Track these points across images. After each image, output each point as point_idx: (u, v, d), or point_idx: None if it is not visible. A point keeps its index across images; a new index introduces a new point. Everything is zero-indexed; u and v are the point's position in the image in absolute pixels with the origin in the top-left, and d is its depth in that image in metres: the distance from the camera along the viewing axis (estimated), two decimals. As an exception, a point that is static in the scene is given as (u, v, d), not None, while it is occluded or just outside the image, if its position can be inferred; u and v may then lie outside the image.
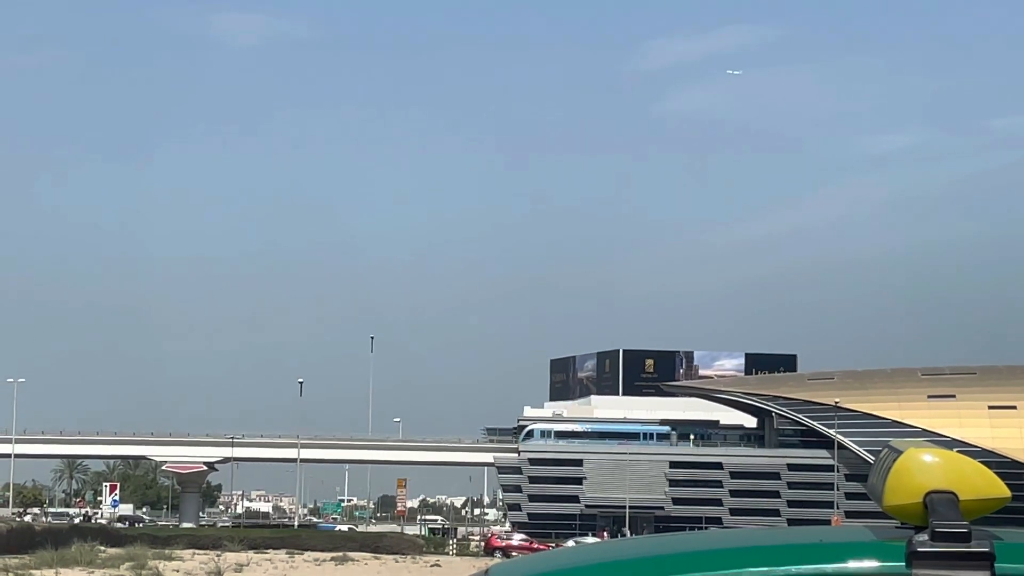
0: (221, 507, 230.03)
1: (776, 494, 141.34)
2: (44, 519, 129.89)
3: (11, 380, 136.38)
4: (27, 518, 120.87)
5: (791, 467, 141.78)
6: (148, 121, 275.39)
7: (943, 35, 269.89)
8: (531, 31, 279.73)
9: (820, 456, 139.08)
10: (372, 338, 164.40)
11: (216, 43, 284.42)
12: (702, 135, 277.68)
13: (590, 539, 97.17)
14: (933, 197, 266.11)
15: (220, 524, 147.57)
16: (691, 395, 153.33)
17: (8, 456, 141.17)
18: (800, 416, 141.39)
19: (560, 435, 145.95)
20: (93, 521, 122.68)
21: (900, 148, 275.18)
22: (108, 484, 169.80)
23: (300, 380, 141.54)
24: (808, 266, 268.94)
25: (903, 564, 3.08)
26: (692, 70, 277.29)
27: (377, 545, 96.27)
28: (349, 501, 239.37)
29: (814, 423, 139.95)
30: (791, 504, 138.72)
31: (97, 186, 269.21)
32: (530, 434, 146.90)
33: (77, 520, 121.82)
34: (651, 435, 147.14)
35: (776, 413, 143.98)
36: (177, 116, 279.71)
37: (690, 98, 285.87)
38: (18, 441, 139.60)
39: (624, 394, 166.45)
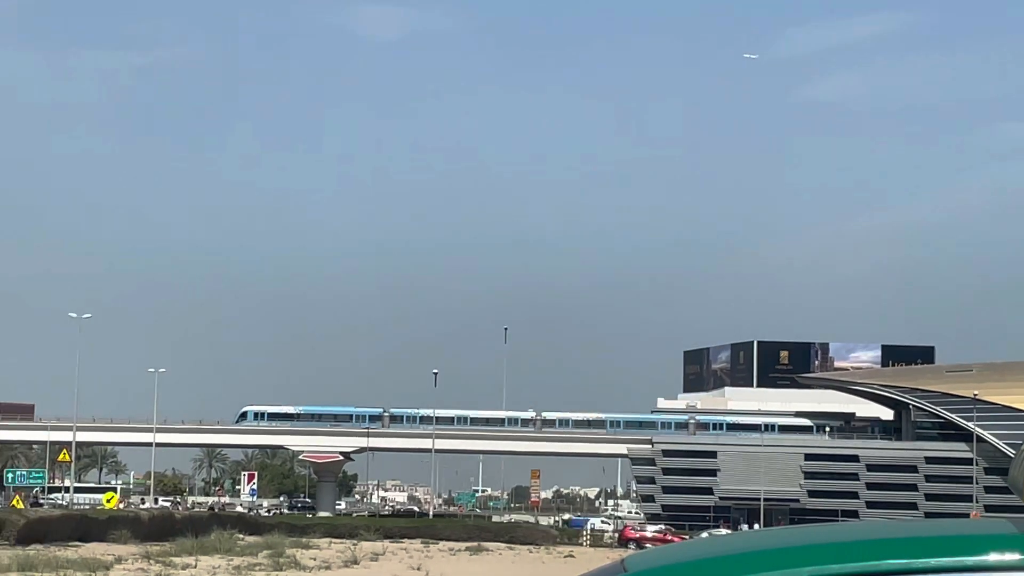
0: (356, 496, 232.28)
1: (913, 487, 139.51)
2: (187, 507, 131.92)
3: (152, 370, 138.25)
4: (198, 507, 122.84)
5: (928, 460, 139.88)
6: (290, 114, 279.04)
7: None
8: (674, 16, 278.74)
9: (958, 449, 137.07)
10: (506, 329, 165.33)
11: (358, 35, 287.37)
12: (842, 122, 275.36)
13: (722, 531, 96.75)
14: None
15: (356, 514, 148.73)
16: (826, 387, 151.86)
17: (149, 445, 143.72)
18: (938, 409, 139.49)
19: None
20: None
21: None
22: (246, 473, 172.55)
23: (435, 371, 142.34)
24: (947, 255, 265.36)
25: (1043, 557, 3.05)
26: (832, 57, 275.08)
27: (511, 535, 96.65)
28: (483, 491, 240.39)
29: (952, 416, 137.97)
30: (928, 497, 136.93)
31: (250, 177, 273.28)
32: (244, 416, 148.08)
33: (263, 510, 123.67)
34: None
35: (913, 405, 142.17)
36: (316, 110, 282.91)
37: (830, 86, 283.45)
38: (159, 430, 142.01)
39: (758, 386, 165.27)
